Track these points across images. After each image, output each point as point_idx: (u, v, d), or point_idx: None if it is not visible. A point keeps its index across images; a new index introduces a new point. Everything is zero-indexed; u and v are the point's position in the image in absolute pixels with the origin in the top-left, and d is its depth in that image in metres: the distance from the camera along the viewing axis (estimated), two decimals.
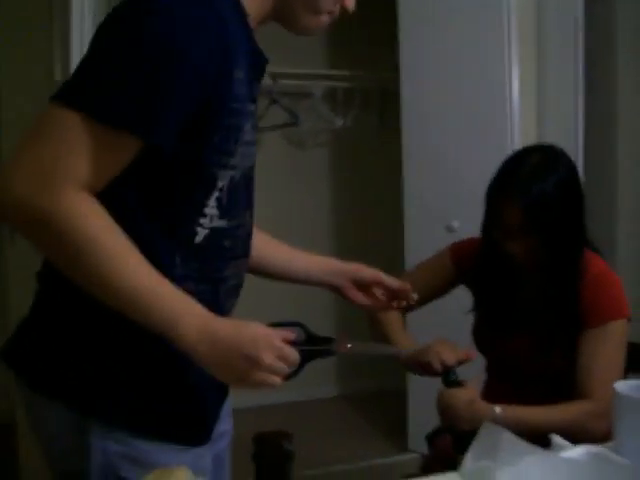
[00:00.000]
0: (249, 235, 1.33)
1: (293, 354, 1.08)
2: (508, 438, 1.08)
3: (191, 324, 1.05)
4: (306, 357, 1.14)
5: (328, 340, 1.29)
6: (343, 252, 4.55)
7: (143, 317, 1.05)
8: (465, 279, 1.93)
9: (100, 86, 1.03)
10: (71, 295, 1.12)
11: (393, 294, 1.51)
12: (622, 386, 1.33)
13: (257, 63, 1.25)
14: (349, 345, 1.32)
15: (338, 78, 4.29)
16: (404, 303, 1.53)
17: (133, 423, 1.17)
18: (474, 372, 1.89)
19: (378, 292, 1.51)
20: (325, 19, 1.29)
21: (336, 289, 1.52)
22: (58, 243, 1.04)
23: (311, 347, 1.19)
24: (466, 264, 1.90)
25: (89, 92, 1.04)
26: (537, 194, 1.64)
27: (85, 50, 1.11)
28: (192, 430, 1.23)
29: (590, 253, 1.77)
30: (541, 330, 1.74)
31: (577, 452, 1.15)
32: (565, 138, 3.30)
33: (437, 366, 1.62)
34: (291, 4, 1.25)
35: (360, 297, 1.52)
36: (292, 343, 1.10)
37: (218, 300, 1.22)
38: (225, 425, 1.39)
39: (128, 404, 1.17)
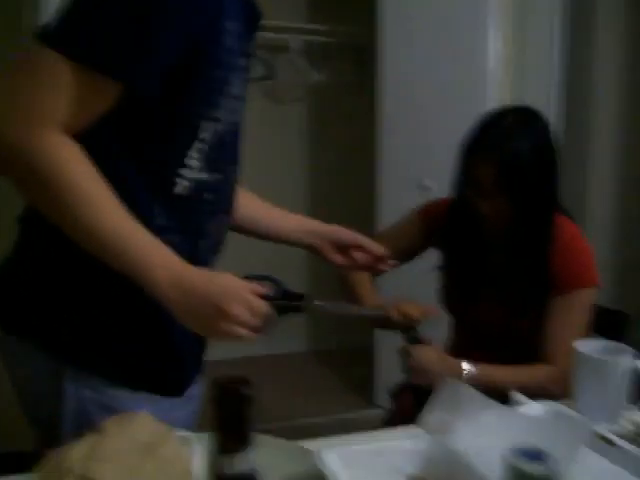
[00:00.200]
0: (233, 192, 1.32)
1: (263, 307, 1.09)
2: (468, 392, 1.10)
3: (163, 271, 1.05)
4: (277, 312, 1.14)
5: (300, 296, 1.29)
6: (316, 206, 4.56)
7: (117, 262, 1.06)
8: (435, 240, 1.92)
9: (82, 28, 1.02)
10: (53, 240, 1.12)
11: (371, 258, 1.52)
12: (582, 345, 1.36)
13: (252, 16, 1.25)
14: (321, 303, 1.32)
15: (316, 32, 4.24)
16: (382, 267, 1.54)
17: (108, 370, 1.17)
18: (439, 332, 1.93)
19: (357, 255, 1.51)
20: None
21: (315, 249, 1.53)
22: (37, 185, 1.03)
23: (282, 302, 1.19)
24: (436, 225, 1.89)
25: (71, 33, 1.02)
26: (512, 153, 1.63)
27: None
28: (166, 380, 1.24)
29: (563, 218, 1.75)
30: (511, 294, 1.74)
31: (535, 408, 1.17)
32: (542, 101, 3.31)
33: (398, 318, 1.63)
34: None
35: (338, 258, 1.53)
36: (263, 297, 1.10)
37: (198, 255, 1.22)
38: (200, 389, 1.39)
39: (105, 351, 1.17)
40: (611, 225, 3.68)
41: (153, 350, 1.21)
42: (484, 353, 1.71)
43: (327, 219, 4.70)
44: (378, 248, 1.51)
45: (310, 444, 1.13)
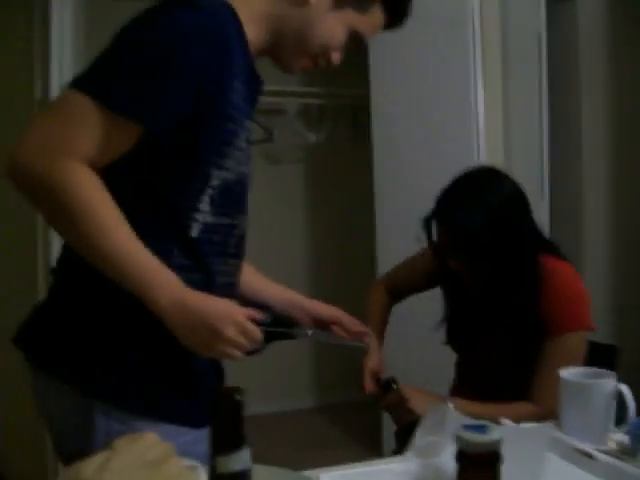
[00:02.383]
0: (242, 237, 1.43)
1: (255, 331, 1.19)
2: (453, 415, 1.17)
3: (164, 290, 1.16)
4: (268, 337, 1.22)
5: (290, 324, 1.37)
6: (318, 262, 4.65)
7: (123, 280, 1.16)
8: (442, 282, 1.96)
9: (110, 76, 1.17)
10: (83, 286, 1.25)
11: (349, 333, 1.58)
12: (567, 372, 1.43)
13: (254, 84, 1.38)
14: (310, 332, 1.40)
15: (311, 95, 4.39)
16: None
17: (136, 404, 1.25)
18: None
19: (336, 329, 1.58)
20: (309, 64, 1.43)
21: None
22: (58, 210, 1.15)
23: (273, 328, 1.26)
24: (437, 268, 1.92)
25: (97, 80, 1.17)
26: (460, 222, 1.65)
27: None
28: (191, 412, 1.30)
29: (557, 261, 1.76)
30: (502, 339, 1.77)
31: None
32: (531, 151, 3.41)
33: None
34: (283, 41, 1.38)
35: None
36: (257, 322, 1.20)
37: (213, 293, 1.29)
38: None
39: (132, 386, 1.26)
40: (606, 267, 3.75)
41: (176, 384, 1.30)
42: (482, 395, 1.72)
43: (330, 275, 4.78)
44: (355, 325, 1.58)
45: (310, 473, 1.19)
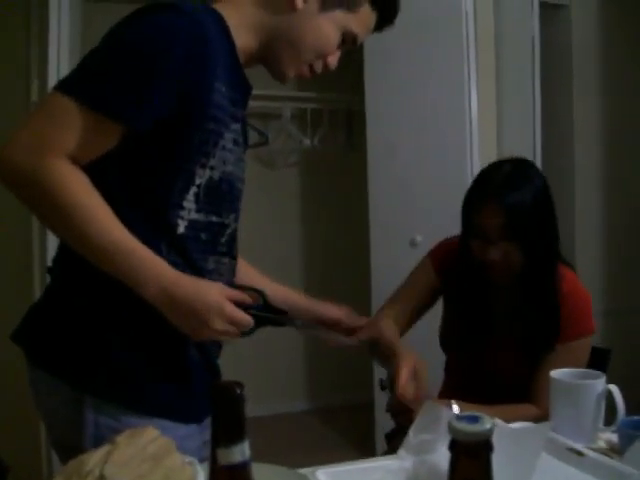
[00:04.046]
0: (232, 236, 1.45)
1: (245, 319, 1.22)
2: (448, 413, 1.18)
3: (153, 279, 1.19)
4: (257, 322, 1.25)
5: (280, 311, 1.39)
6: (312, 266, 4.67)
7: (112, 269, 1.19)
8: (445, 279, 1.92)
9: (91, 77, 1.21)
10: (76, 285, 1.28)
11: (349, 330, 1.60)
12: (558, 373, 1.46)
13: (242, 88, 1.40)
14: (300, 323, 1.42)
15: (306, 99, 4.41)
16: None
17: (125, 399, 1.27)
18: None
19: (339, 328, 1.59)
20: (305, 70, 1.44)
21: None
22: (46, 204, 1.18)
23: (262, 314, 1.29)
24: (447, 263, 1.90)
25: (81, 81, 1.21)
26: (515, 199, 1.66)
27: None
28: (181, 408, 1.33)
29: (563, 267, 1.78)
30: (521, 343, 1.76)
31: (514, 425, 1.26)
32: (524, 154, 3.43)
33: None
34: (276, 49, 1.39)
35: None
36: (247, 307, 1.24)
37: None
38: None
39: (122, 381, 1.28)
40: (596, 271, 3.79)
41: (167, 380, 1.32)
42: (478, 392, 1.72)
43: (324, 279, 4.79)
44: (355, 321, 1.59)
45: (305, 470, 1.21)
